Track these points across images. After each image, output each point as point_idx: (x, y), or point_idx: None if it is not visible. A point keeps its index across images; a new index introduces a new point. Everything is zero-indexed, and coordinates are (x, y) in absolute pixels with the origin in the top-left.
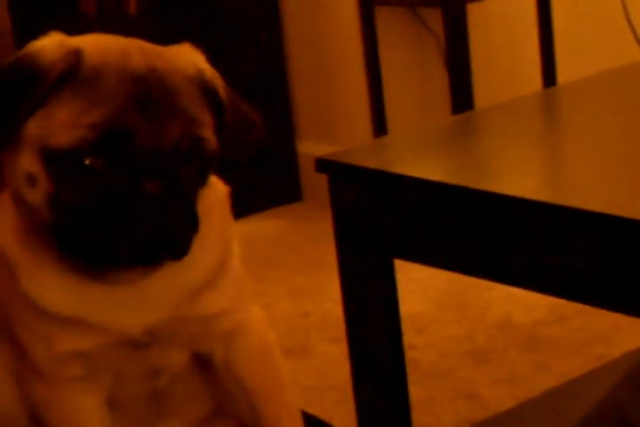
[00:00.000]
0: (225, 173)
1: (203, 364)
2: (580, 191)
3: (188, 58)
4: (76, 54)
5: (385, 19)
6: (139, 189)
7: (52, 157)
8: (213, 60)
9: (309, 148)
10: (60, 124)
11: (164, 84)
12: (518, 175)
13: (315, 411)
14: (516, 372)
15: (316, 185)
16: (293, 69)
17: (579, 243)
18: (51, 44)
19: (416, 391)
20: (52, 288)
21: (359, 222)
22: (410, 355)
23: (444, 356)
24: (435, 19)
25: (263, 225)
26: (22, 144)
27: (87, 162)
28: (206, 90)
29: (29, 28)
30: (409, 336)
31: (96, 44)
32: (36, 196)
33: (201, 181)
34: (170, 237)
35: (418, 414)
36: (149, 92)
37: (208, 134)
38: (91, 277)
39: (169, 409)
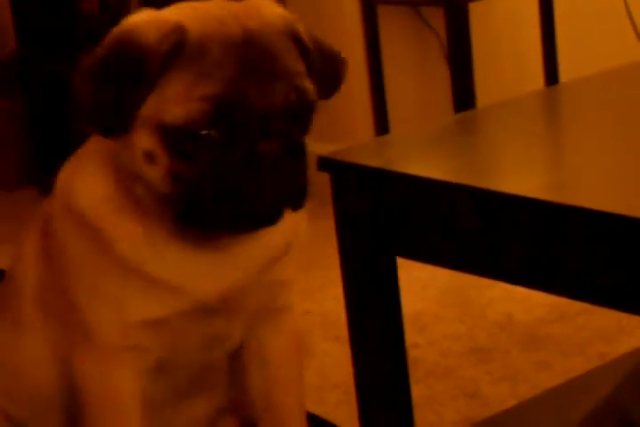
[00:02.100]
0: None
1: (233, 355)
2: (583, 190)
3: (270, 10)
4: (179, 31)
5: (387, 17)
6: (256, 152)
7: (169, 133)
8: None
9: (311, 146)
10: (173, 99)
11: (263, 45)
12: (520, 174)
13: (316, 410)
14: (517, 370)
15: (318, 183)
16: None
17: (581, 241)
18: (148, 23)
19: (418, 390)
20: (148, 251)
21: (361, 221)
22: (411, 354)
23: (446, 354)
24: (437, 17)
25: None
26: (138, 124)
27: (203, 133)
28: (294, 38)
29: (31, 27)
30: (410, 335)
31: (192, 17)
32: (156, 172)
33: (306, 131)
34: (290, 192)
35: (419, 413)
36: (253, 58)
37: (307, 83)
38: (189, 242)
39: (200, 390)
